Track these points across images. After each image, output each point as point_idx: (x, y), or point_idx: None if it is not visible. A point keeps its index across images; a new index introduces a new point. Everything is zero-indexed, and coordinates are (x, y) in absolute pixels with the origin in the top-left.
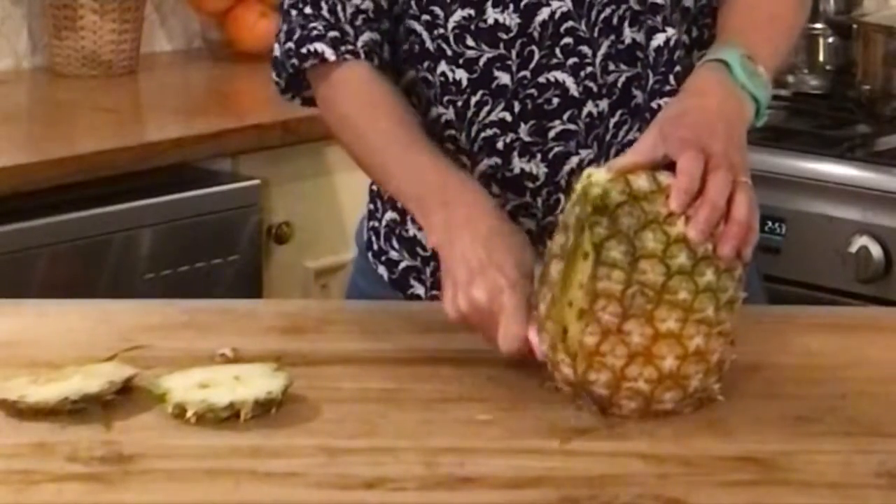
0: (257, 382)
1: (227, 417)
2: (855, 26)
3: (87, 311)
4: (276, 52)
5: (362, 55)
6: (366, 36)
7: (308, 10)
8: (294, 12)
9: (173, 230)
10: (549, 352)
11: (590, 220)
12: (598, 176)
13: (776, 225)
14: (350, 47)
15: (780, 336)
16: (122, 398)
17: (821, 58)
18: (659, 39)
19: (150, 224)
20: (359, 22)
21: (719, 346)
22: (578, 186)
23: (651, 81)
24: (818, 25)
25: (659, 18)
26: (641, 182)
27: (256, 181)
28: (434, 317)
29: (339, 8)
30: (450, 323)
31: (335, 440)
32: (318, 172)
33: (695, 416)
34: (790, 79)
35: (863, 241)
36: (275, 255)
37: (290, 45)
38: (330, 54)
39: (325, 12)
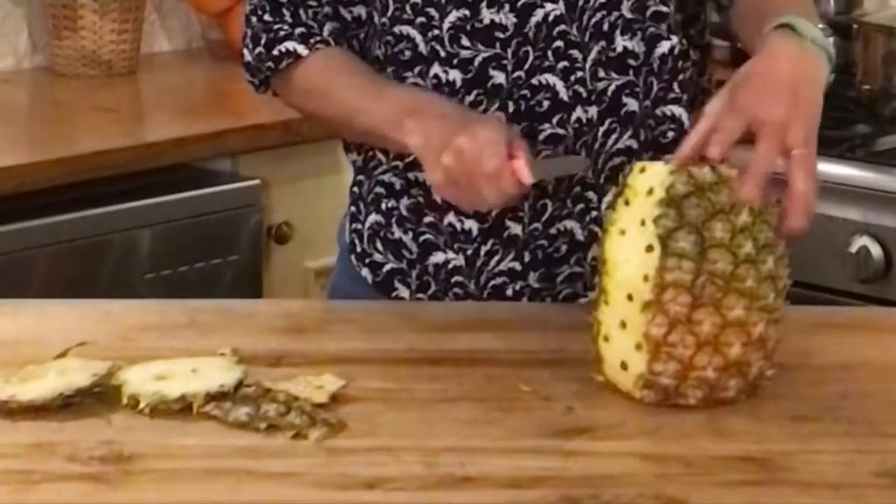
0: (212, 375)
1: (181, 409)
2: (855, 26)
3: (87, 311)
4: (248, 57)
5: (332, 43)
6: (328, 26)
7: (267, 17)
8: (254, 18)
9: (173, 230)
10: (594, 348)
11: (654, 212)
12: (657, 168)
13: None
14: (319, 38)
15: (780, 336)
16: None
17: None
18: (664, 47)
19: (150, 224)
20: (320, 17)
21: (774, 332)
22: (631, 181)
23: (655, 89)
24: (818, 25)
25: (664, 26)
26: (705, 173)
27: (256, 181)
28: (434, 317)
29: (300, 11)
30: (450, 323)
31: (335, 440)
32: (318, 172)
33: (695, 416)
34: None
35: (863, 241)
36: (275, 255)
37: (260, 49)
38: (302, 50)
39: (287, 17)
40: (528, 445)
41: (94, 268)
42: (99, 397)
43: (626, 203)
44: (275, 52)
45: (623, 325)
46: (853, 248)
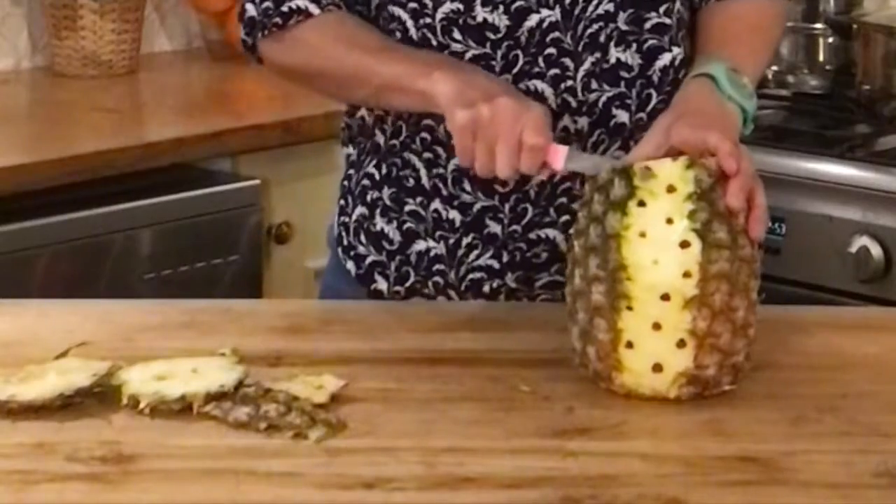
0: (212, 375)
1: (181, 409)
2: (855, 26)
3: (87, 311)
4: (252, 11)
5: (343, 7)
6: None
7: None
8: None
9: (173, 230)
10: (601, 363)
11: (686, 208)
12: (667, 166)
13: (776, 225)
14: (330, 0)
15: (780, 336)
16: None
17: (821, 58)
18: (665, 59)
19: (150, 224)
20: None
21: None
22: (640, 183)
23: (654, 101)
24: (818, 25)
25: (666, 38)
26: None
27: (256, 181)
28: (434, 317)
29: None
30: (450, 323)
31: (335, 440)
32: (318, 172)
33: (695, 416)
34: (790, 79)
35: (863, 241)
36: (275, 255)
37: (268, 4)
38: (314, 8)
39: None
40: (528, 445)
41: (94, 268)
42: (99, 397)
43: (641, 204)
44: (284, 9)
45: (657, 326)
46: (853, 248)
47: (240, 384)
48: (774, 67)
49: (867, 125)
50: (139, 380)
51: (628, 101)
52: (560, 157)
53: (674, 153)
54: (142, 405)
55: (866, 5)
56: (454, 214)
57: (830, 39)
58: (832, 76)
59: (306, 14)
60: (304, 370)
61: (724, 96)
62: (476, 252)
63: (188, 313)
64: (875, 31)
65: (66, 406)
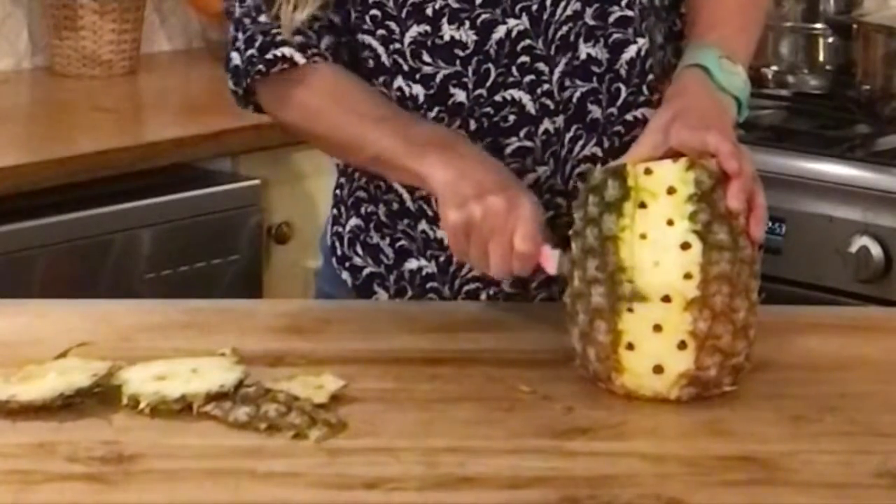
0: (212, 375)
1: (181, 409)
2: (855, 26)
3: (87, 311)
4: (237, 61)
5: (329, 58)
6: (326, 40)
7: (263, 18)
8: (248, 20)
9: (173, 230)
10: (601, 364)
11: (686, 209)
12: (667, 167)
13: (776, 225)
14: (316, 50)
15: (780, 336)
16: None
17: (821, 58)
18: (630, 52)
19: (150, 224)
20: (316, 27)
21: None
22: (640, 184)
23: (624, 95)
24: (818, 25)
25: (630, 31)
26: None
27: (256, 181)
28: (434, 317)
29: None
30: (449, 323)
31: (335, 440)
32: (318, 172)
33: (695, 416)
34: (790, 79)
35: (863, 241)
36: (275, 255)
37: (253, 51)
38: (299, 58)
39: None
40: (528, 445)
41: (94, 268)
42: (99, 397)
43: (642, 206)
44: (268, 56)
45: (658, 328)
46: (853, 248)
47: (240, 384)
48: (774, 67)
49: (867, 125)
50: (139, 380)
51: (600, 97)
52: (552, 262)
53: (672, 154)
54: (142, 405)
55: (866, 5)
56: (442, 234)
57: (830, 39)
58: (832, 76)
59: (291, 62)
60: (304, 370)
61: (717, 88)
62: (468, 265)
63: (188, 313)
64: (875, 31)
65: (66, 406)
